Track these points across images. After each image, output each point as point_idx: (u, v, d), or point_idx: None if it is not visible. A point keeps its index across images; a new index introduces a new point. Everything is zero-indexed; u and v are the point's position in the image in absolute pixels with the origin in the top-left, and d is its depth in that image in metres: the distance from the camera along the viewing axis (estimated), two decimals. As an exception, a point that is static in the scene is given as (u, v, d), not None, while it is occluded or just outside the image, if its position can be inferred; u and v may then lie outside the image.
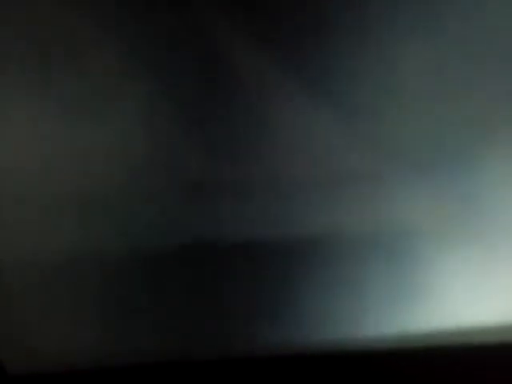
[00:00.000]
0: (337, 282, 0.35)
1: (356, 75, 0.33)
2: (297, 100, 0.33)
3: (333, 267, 0.35)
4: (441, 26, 0.33)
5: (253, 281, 0.35)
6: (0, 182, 0.34)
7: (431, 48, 0.33)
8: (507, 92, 0.33)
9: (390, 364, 0.35)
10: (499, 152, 0.34)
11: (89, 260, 0.35)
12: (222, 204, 0.35)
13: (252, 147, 0.34)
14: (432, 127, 0.34)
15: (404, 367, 0.35)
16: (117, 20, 0.32)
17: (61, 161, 0.34)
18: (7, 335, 0.36)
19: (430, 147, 0.34)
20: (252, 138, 0.34)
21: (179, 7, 0.32)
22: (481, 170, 0.34)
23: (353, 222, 0.35)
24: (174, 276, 0.35)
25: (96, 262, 0.35)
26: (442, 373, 0.35)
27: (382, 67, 0.33)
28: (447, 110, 0.34)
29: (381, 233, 0.35)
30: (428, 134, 0.34)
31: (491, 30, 0.33)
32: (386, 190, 0.35)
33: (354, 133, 0.34)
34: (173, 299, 0.36)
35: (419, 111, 0.34)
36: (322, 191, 0.35)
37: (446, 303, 0.35)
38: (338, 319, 0.35)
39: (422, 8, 0.32)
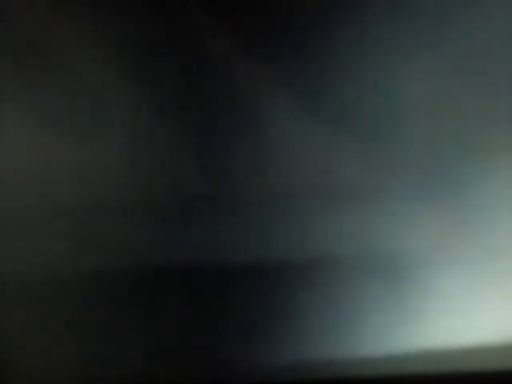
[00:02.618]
0: (337, 305, 0.35)
1: (356, 89, 0.33)
2: (296, 113, 0.33)
3: (332, 289, 0.35)
4: (445, 38, 0.33)
5: (250, 303, 0.35)
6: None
7: (435, 64, 0.33)
8: None
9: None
10: (502, 171, 0.34)
11: (79, 277, 0.34)
12: (218, 220, 0.34)
13: (249, 161, 0.34)
14: (433, 145, 0.34)
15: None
16: (113, 29, 0.32)
17: (53, 174, 0.34)
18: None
19: (432, 166, 0.34)
20: (250, 151, 0.34)
21: (173, 12, 0.32)
22: (482, 192, 0.34)
23: (351, 243, 0.34)
24: (166, 296, 0.35)
25: (86, 280, 0.34)
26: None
27: (384, 81, 0.33)
28: (449, 129, 0.34)
29: (379, 254, 0.34)
30: (429, 153, 0.34)
31: (497, 41, 0.33)
32: (385, 209, 0.34)
33: (351, 151, 0.34)
34: (166, 321, 0.35)
35: (421, 130, 0.33)
36: (321, 209, 0.34)
37: (446, 326, 0.35)
38: (338, 342, 0.35)
39: (424, 22, 0.32)
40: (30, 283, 0.35)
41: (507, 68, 0.33)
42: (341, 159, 0.34)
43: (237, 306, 0.35)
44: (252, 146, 0.34)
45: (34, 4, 0.32)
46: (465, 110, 0.33)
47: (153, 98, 0.33)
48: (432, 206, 0.34)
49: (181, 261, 0.34)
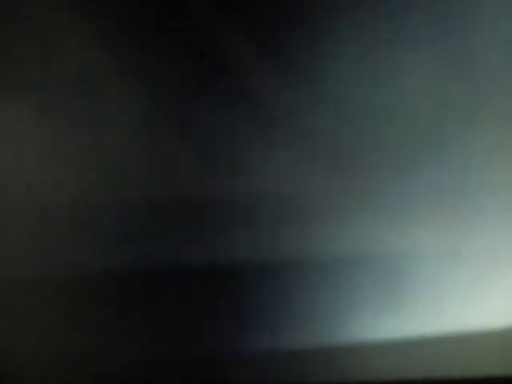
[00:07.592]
0: (332, 300, 0.35)
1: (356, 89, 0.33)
2: (298, 112, 0.33)
3: (328, 288, 0.35)
4: (444, 41, 0.33)
5: (249, 302, 0.35)
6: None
7: (432, 64, 0.33)
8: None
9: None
10: (495, 170, 0.34)
11: (78, 276, 0.34)
12: (217, 223, 0.34)
13: (251, 162, 0.34)
14: (424, 144, 0.34)
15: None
16: (117, 27, 0.33)
17: (51, 173, 0.34)
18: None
19: (427, 164, 0.34)
20: (251, 152, 0.34)
21: (178, 9, 0.32)
22: (478, 187, 0.34)
23: (344, 242, 0.34)
24: (165, 295, 0.35)
25: (85, 279, 0.34)
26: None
27: (381, 84, 0.33)
28: (445, 128, 0.34)
29: (373, 252, 0.34)
30: (423, 155, 0.34)
31: (499, 45, 0.33)
32: (379, 209, 0.34)
33: (351, 150, 0.34)
34: (165, 321, 0.35)
35: (415, 135, 0.34)
36: (319, 210, 0.34)
37: (440, 315, 0.35)
38: (335, 335, 0.35)
39: (424, 23, 0.33)
40: (28, 282, 0.34)
41: (509, 65, 0.33)
42: (342, 158, 0.34)
43: (236, 305, 0.35)
44: (252, 146, 0.34)
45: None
46: (463, 110, 0.34)
47: (152, 97, 0.33)
48: (427, 202, 0.34)
49: (180, 260, 0.34)
